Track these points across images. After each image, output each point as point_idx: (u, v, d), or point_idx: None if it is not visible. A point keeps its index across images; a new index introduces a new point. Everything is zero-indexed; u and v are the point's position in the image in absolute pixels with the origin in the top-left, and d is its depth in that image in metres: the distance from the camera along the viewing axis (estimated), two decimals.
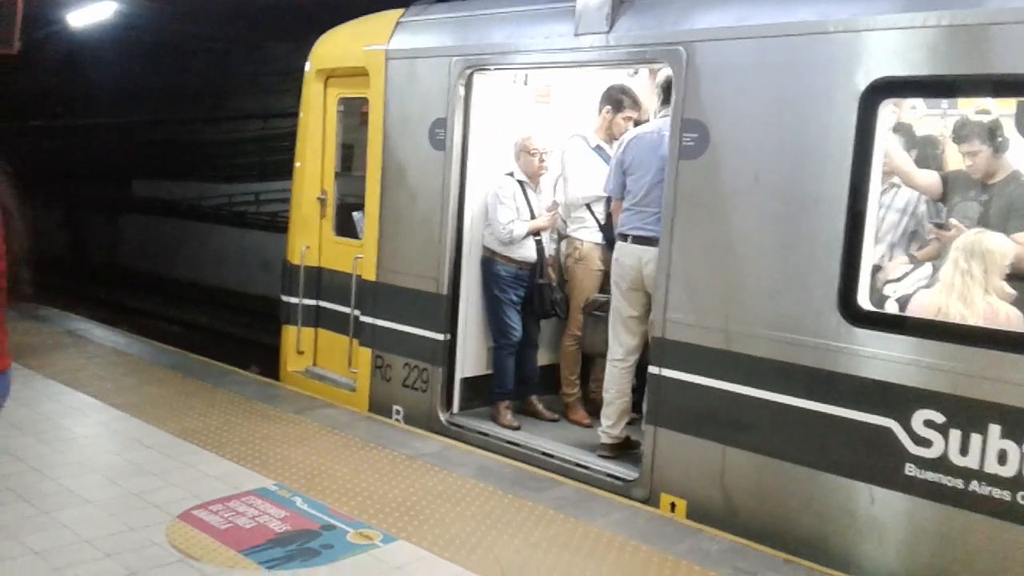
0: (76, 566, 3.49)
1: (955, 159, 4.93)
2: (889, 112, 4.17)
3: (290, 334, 6.89)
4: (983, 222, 4.44)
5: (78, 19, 14.41)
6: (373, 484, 4.64)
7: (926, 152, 5.04)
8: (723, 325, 4.45)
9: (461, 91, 5.71)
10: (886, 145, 4.42)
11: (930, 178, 4.78)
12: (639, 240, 5.04)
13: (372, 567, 3.71)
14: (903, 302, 4.40)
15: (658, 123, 5.13)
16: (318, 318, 6.84)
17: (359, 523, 4.12)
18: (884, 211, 4.92)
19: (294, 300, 6.86)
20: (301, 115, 6.94)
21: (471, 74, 5.69)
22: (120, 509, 4.08)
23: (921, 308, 4.19)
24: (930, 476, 3.79)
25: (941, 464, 3.76)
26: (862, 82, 3.98)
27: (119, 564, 3.54)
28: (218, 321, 14.25)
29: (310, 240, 6.86)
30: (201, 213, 19.42)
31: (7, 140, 22.77)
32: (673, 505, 4.61)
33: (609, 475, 4.95)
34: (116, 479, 4.46)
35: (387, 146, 6.14)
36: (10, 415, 5.32)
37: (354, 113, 6.81)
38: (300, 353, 6.87)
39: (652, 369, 4.72)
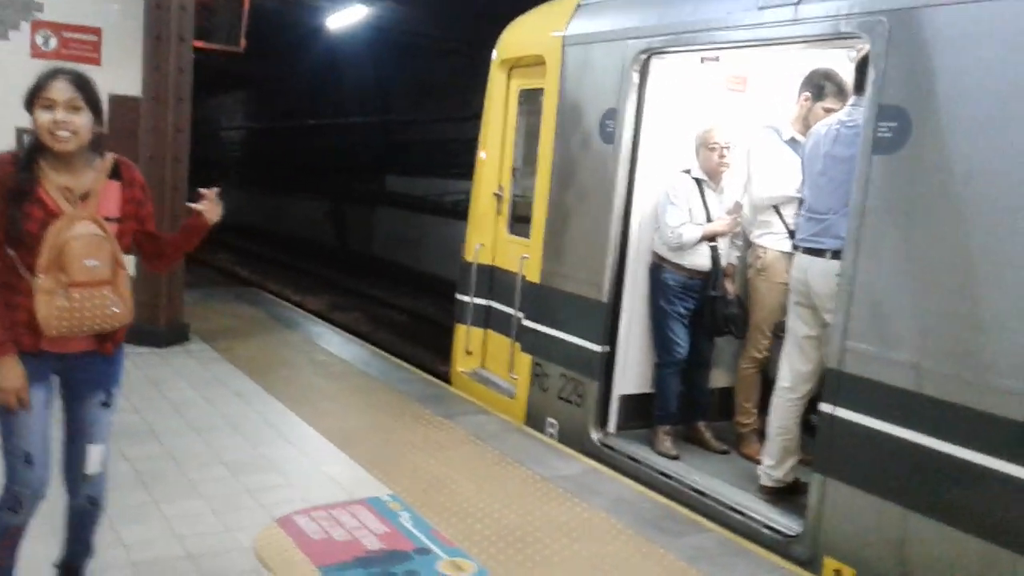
0: (154, 563, 3.43)
1: None
2: None
3: (460, 334, 6.68)
4: None
5: (335, 22, 15.38)
6: (492, 506, 4.25)
7: None
8: (915, 360, 3.56)
9: (635, 78, 5.14)
10: None
11: None
12: (806, 251, 4.24)
13: None
14: None
15: (836, 116, 4.28)
16: (488, 319, 6.57)
17: (456, 551, 3.74)
18: None
19: (466, 299, 6.64)
20: (486, 106, 6.69)
21: (646, 59, 5.12)
22: (226, 507, 4.01)
23: None
24: None
25: None
26: None
27: (193, 566, 3.43)
28: (445, 313, 14.59)
29: (485, 238, 6.60)
30: (442, 208, 20.14)
31: (286, 138, 25.14)
32: (838, 573, 3.79)
33: (768, 526, 4.19)
34: (240, 474, 4.43)
35: (558, 140, 5.71)
36: (174, 394, 5.57)
37: (534, 106, 6.46)
38: (469, 354, 6.64)
39: (824, 407, 3.91)
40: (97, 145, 2.76)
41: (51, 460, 2.85)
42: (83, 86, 2.69)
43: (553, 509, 4.28)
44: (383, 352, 7.40)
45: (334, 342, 7.59)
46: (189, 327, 7.05)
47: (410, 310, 14.85)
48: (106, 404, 2.90)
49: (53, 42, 7.70)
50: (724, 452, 5.18)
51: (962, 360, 3.40)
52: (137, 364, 6.12)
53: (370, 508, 4.11)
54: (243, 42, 8.13)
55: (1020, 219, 3.26)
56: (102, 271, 2.70)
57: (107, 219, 2.75)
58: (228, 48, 7.98)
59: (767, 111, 5.40)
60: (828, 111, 4.74)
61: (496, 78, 6.59)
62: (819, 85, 4.89)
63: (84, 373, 2.84)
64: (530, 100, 6.43)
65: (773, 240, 5.00)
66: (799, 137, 4.94)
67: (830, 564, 3.82)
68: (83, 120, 2.68)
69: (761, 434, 5.10)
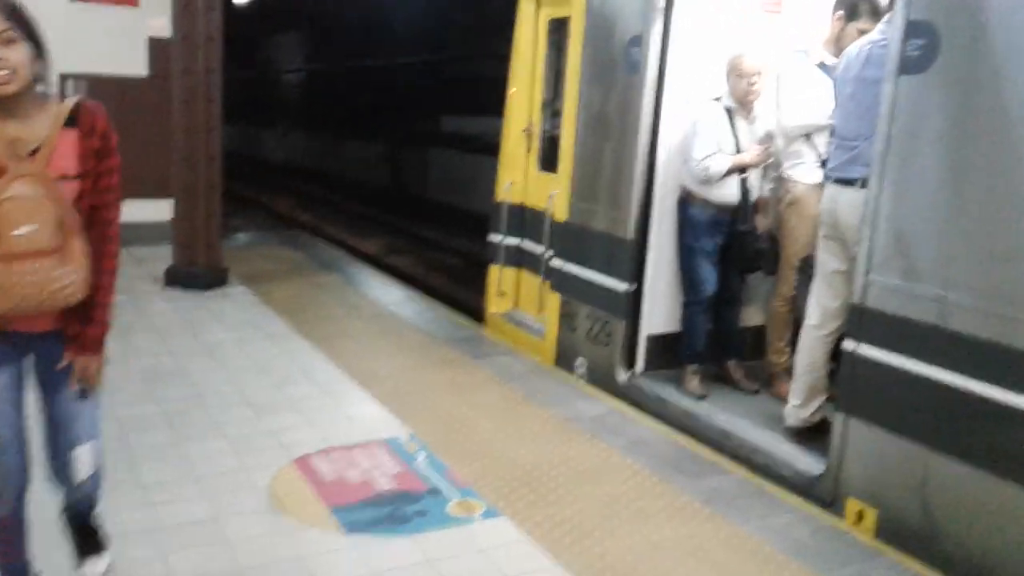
0: (170, 504, 3.51)
1: None
2: None
3: (493, 274, 6.62)
4: None
5: None
6: (509, 447, 4.24)
7: None
8: (940, 293, 3.37)
9: (660, 2, 4.92)
10: None
11: None
12: (836, 181, 4.03)
13: (456, 544, 3.33)
14: None
15: (869, 36, 4.01)
16: (520, 259, 6.49)
17: (468, 491, 3.75)
18: None
19: (498, 238, 6.56)
20: (515, 37, 6.50)
21: None
22: (247, 447, 4.08)
23: None
24: None
25: None
26: None
27: (208, 504, 3.51)
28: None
29: (515, 175, 6.48)
30: (496, 148, 19.95)
31: (343, 79, 25.12)
32: (860, 515, 3.67)
33: (791, 466, 4.09)
34: (263, 414, 4.50)
35: (584, 71, 5.52)
36: (209, 336, 5.68)
37: (564, 36, 6.24)
38: (502, 295, 6.59)
39: (847, 343, 3.75)
40: (39, 83, 2.37)
41: (26, 444, 2.54)
42: (13, 13, 2.29)
43: (571, 450, 4.25)
44: (421, 294, 7.41)
45: (373, 285, 7.63)
46: (228, 270, 7.15)
47: (464, 252, 14.86)
48: (83, 395, 2.51)
49: None
50: (755, 392, 5.05)
51: (989, 293, 3.20)
52: (175, 307, 6.26)
53: (387, 448, 4.14)
54: None
55: None
56: (40, 239, 2.29)
57: (64, 177, 2.36)
58: None
59: (794, 35, 5.12)
60: (862, 32, 4.43)
61: (524, 7, 6.39)
62: (853, 4, 4.58)
63: (53, 357, 2.46)
64: (559, 30, 6.22)
65: (804, 171, 4.77)
66: (831, 60, 4.66)
67: (852, 505, 3.71)
68: (19, 55, 2.27)
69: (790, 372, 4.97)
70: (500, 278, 6.55)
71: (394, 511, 3.56)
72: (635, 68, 5.04)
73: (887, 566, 3.32)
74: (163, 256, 7.29)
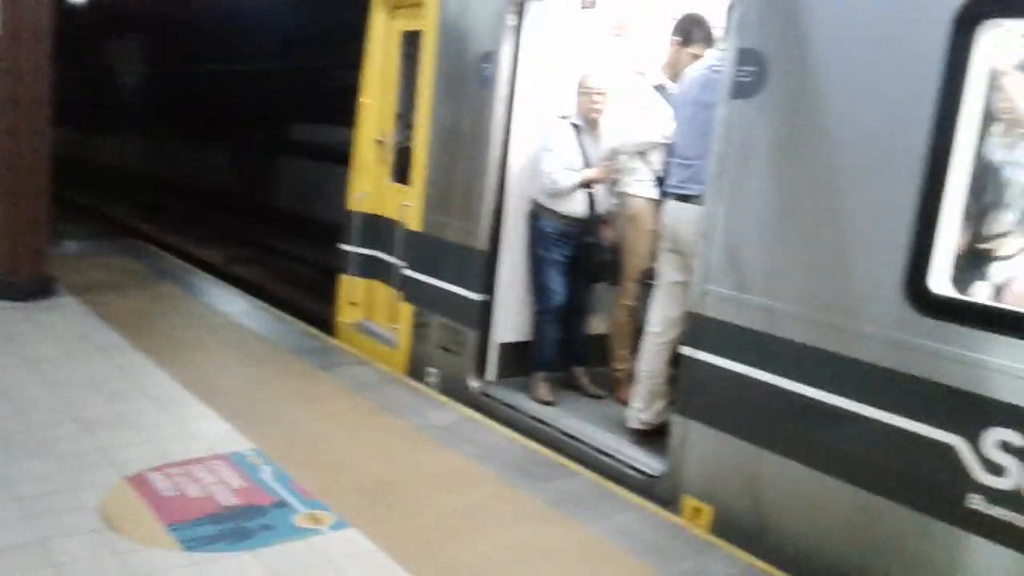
0: None
1: None
2: (993, 39, 3.12)
3: (344, 284, 6.54)
4: None
5: None
6: (358, 457, 4.19)
7: None
8: (768, 303, 3.61)
9: (511, 20, 5.03)
10: (1006, 85, 3.41)
11: None
12: (676, 197, 4.26)
13: (302, 557, 3.26)
14: (1002, 288, 3.39)
15: (708, 60, 4.28)
16: (372, 269, 6.44)
17: (316, 503, 3.67)
18: (1011, 171, 3.87)
19: (349, 248, 6.49)
20: (366, 48, 6.47)
21: (523, 1, 5.00)
22: (76, 466, 3.83)
23: (1019, 296, 3.19)
24: (999, 513, 2.86)
25: (1017, 501, 2.83)
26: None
27: (31, 530, 3.27)
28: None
29: (368, 186, 6.44)
30: (347, 158, 19.66)
31: (188, 84, 24.08)
32: (697, 511, 3.87)
33: (633, 467, 4.25)
34: (94, 430, 4.24)
35: (438, 85, 5.58)
36: (32, 349, 5.31)
37: (416, 49, 6.27)
38: (353, 305, 6.51)
39: (685, 349, 3.96)
40: None
41: None
42: None
43: (422, 459, 4.25)
44: (266, 305, 7.19)
45: (216, 296, 7.35)
46: (57, 280, 6.70)
47: (313, 262, 14.54)
48: None
49: None
50: (600, 397, 5.23)
51: (812, 303, 3.46)
52: None
53: (229, 462, 4.00)
54: None
55: (868, 166, 3.30)
56: None
57: None
58: None
59: (632, 57, 5.38)
60: (695, 57, 4.73)
61: (377, 19, 6.38)
62: (687, 30, 4.86)
63: None
64: (411, 43, 6.24)
65: (640, 187, 4.99)
66: (668, 83, 4.93)
67: (689, 502, 3.90)
68: None
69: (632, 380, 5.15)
70: (351, 288, 6.47)
71: (237, 526, 3.44)
72: (487, 84, 5.13)
73: (721, 559, 3.50)
74: None
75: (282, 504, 3.64)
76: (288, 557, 3.24)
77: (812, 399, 3.43)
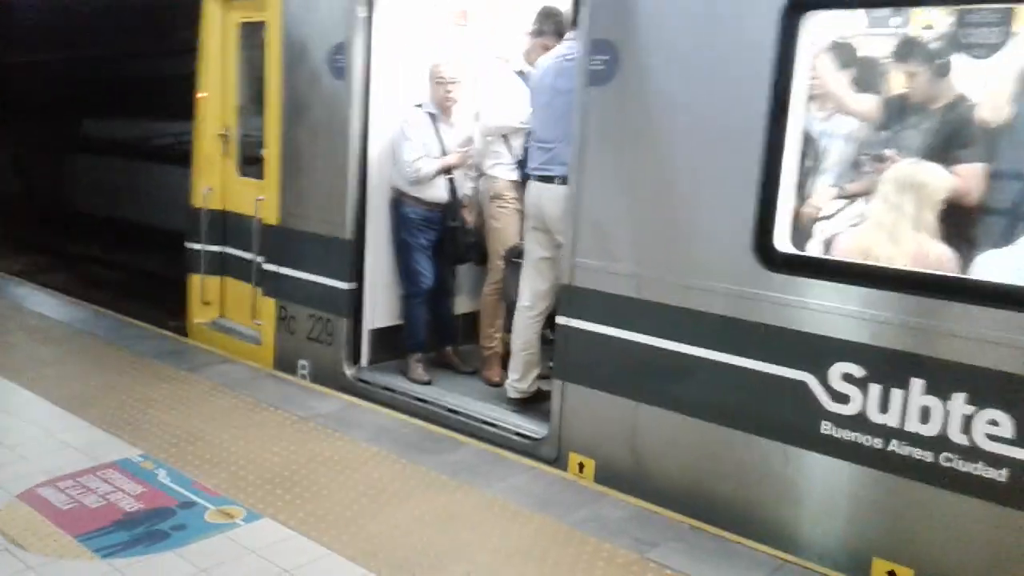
0: None
1: (899, 82, 4.46)
2: (814, 27, 3.64)
3: (195, 284, 6.40)
4: (923, 152, 3.99)
5: None
6: (253, 452, 4.23)
7: (866, 74, 4.55)
8: (634, 271, 4.00)
9: (362, 12, 5.14)
10: (816, 66, 3.96)
11: (866, 103, 4.31)
12: (538, 178, 4.58)
13: (225, 550, 3.31)
14: (830, 243, 3.96)
15: (560, 49, 4.61)
16: (224, 266, 6.35)
17: (223, 499, 3.71)
18: (827, 140, 4.47)
19: (197, 247, 6.36)
20: (200, 41, 6.32)
21: None
22: None
23: (846, 249, 3.76)
24: (847, 435, 3.40)
25: (859, 422, 3.38)
26: None
27: None
28: (165, 265, 13.69)
29: (213, 181, 6.33)
30: (155, 154, 18.65)
31: None
32: (581, 466, 4.23)
33: (518, 433, 4.56)
34: None
35: (286, 76, 5.58)
36: None
37: (256, 40, 6.21)
38: (207, 304, 6.40)
39: (560, 319, 4.29)
40: None
41: None
42: None
43: (316, 446, 4.35)
44: (108, 311, 6.89)
45: (47, 304, 6.96)
46: None
47: (126, 265, 13.78)
48: None
49: None
50: (472, 373, 5.49)
51: (670, 267, 3.88)
52: None
53: (122, 471, 3.93)
54: None
55: (714, 141, 3.74)
56: None
57: None
58: None
59: (489, 44, 5.65)
60: (546, 47, 5.04)
61: (210, 9, 6.25)
62: (539, 23, 5.17)
63: None
64: (251, 34, 6.17)
65: (502, 170, 5.27)
66: (527, 69, 5.23)
67: (574, 458, 4.26)
68: None
69: (502, 358, 5.41)
70: (203, 287, 6.35)
71: (149, 529, 3.43)
72: (341, 74, 5.22)
73: (611, 504, 3.88)
74: None
75: (189, 504, 3.65)
76: (211, 552, 3.29)
77: (678, 353, 3.86)
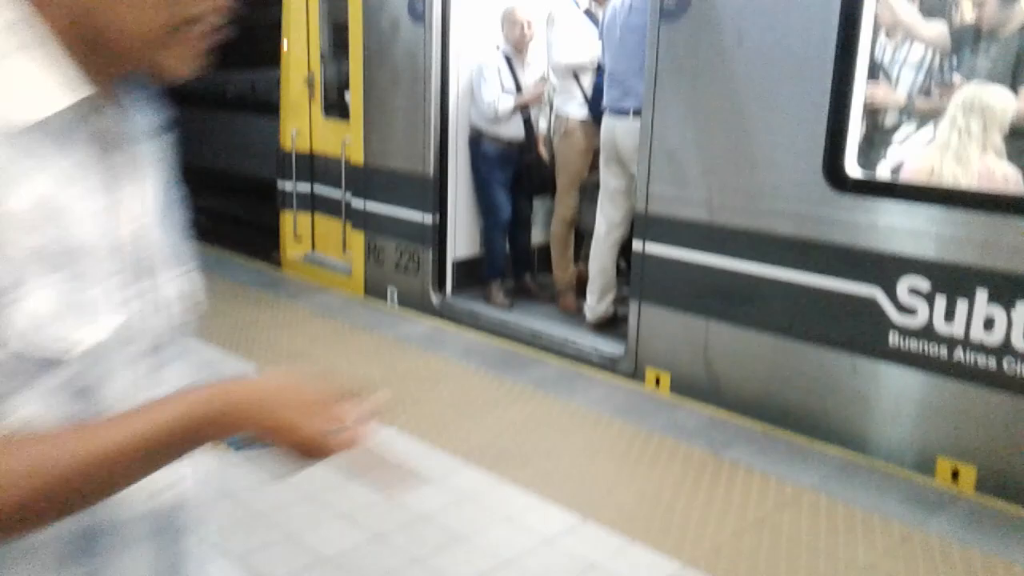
0: None
1: (968, 9, 4.56)
2: None
3: (287, 220, 6.83)
4: (991, 76, 4.12)
5: None
6: (355, 367, 4.65)
7: (934, 1, 4.67)
8: (707, 197, 4.25)
9: None
10: None
11: (935, 30, 4.44)
12: (612, 112, 4.82)
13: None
14: (898, 166, 4.15)
15: None
16: (314, 203, 6.75)
17: None
18: (898, 68, 4.62)
19: (288, 185, 6.76)
20: None
21: None
22: None
23: (914, 170, 3.95)
24: (913, 345, 3.64)
25: (926, 332, 3.61)
26: None
27: None
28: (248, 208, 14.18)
29: (300, 124, 6.70)
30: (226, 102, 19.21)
31: None
32: (658, 380, 4.55)
33: (596, 351, 4.89)
34: None
35: (367, 20, 5.88)
36: None
37: None
38: (299, 239, 6.82)
39: (636, 244, 4.57)
40: None
41: None
42: None
43: (411, 362, 4.74)
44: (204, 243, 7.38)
45: None
46: None
47: (210, 210, 14.31)
48: None
49: None
50: (549, 300, 5.81)
51: (742, 192, 4.12)
52: None
53: None
54: None
55: (785, 71, 3.94)
56: None
57: None
58: None
59: None
60: None
61: None
62: None
63: None
64: None
65: (573, 107, 5.48)
66: (594, 8, 5.43)
67: (651, 373, 4.57)
68: None
69: (576, 287, 5.70)
70: (295, 223, 6.78)
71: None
72: (421, 18, 5.49)
73: (686, 413, 4.19)
74: None
75: None
76: None
77: (749, 273, 4.12)
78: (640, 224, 4.55)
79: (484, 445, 3.77)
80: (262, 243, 7.11)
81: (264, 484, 2.95)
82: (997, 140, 3.77)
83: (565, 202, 5.63)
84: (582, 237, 5.75)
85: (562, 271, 5.72)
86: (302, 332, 5.17)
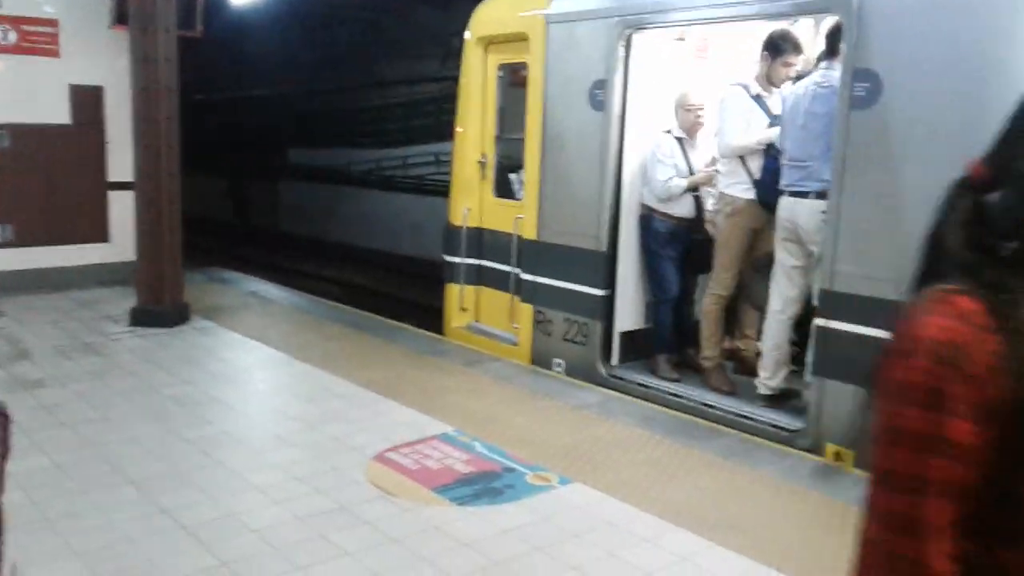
0: (293, 500, 3.94)
1: None
2: None
3: (453, 292, 7.26)
4: None
5: None
6: (543, 431, 4.92)
7: None
8: (890, 275, 4.41)
9: (620, 51, 5.80)
10: None
11: None
12: (792, 194, 5.06)
13: (553, 506, 3.99)
14: None
15: (813, 77, 5.07)
16: (480, 276, 7.16)
17: (536, 466, 4.41)
18: None
19: (457, 260, 7.21)
20: (462, 82, 7.20)
21: (630, 34, 5.78)
22: (321, 452, 4.53)
23: None
24: None
25: None
26: None
27: (329, 499, 3.96)
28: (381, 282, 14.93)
29: (471, 202, 7.17)
30: (351, 178, 20.32)
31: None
32: (838, 454, 4.65)
33: (773, 425, 5.03)
34: (314, 425, 4.93)
35: (547, 109, 6.32)
36: (213, 367, 5.96)
37: (512, 78, 7.01)
38: (463, 310, 7.23)
39: (818, 320, 4.74)
40: None
41: None
42: None
43: (595, 428, 5.00)
44: (371, 314, 7.88)
45: (321, 311, 8.02)
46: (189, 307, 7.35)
47: (336, 280, 15.08)
48: None
49: (12, 36, 7.76)
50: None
51: None
52: (148, 344, 6.45)
53: (445, 442, 4.71)
54: (200, 27, 8.29)
55: (964, 159, 4.11)
56: None
57: None
58: (186, 33, 8.11)
59: (726, 73, 6.18)
60: (787, 65, 5.50)
61: (472, 54, 7.11)
62: (776, 45, 5.61)
63: None
64: (509, 73, 6.98)
65: (739, 189, 5.69)
66: (764, 93, 5.72)
67: (830, 448, 4.68)
68: None
69: (724, 367, 5.82)
70: (461, 295, 7.20)
71: (486, 487, 4.16)
72: (600, 106, 5.90)
73: None
74: (109, 298, 7.44)
75: (510, 469, 4.37)
76: (541, 506, 3.97)
77: None
78: (824, 300, 4.73)
79: (688, 509, 3.97)
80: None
81: None
82: None
83: (721, 279, 5.79)
84: (758, 312, 5.85)
85: (710, 348, 5.81)
86: (487, 397, 5.50)
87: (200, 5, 8.19)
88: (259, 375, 5.85)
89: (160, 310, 6.94)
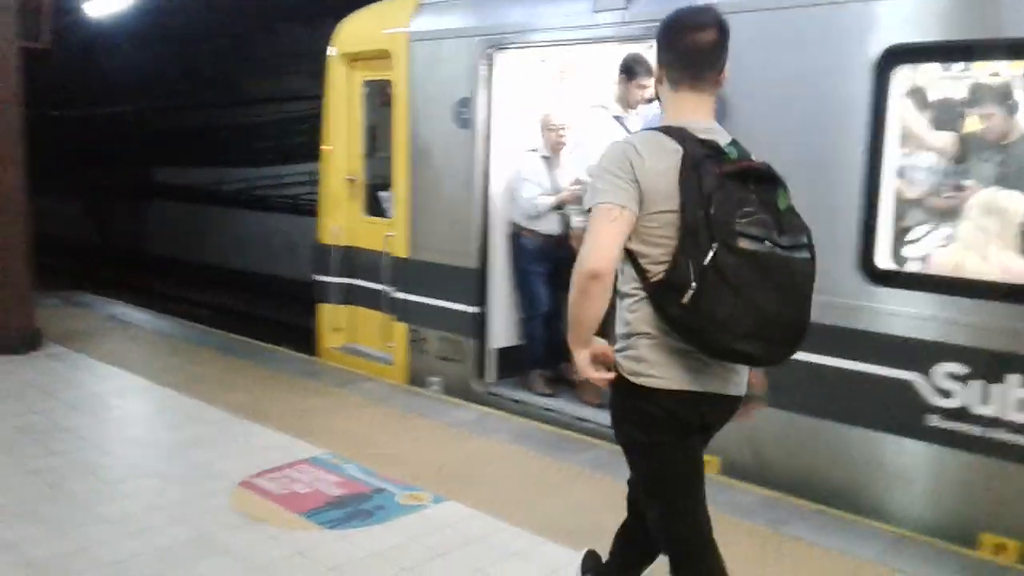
0: (151, 531, 3.75)
1: (973, 122, 5.06)
2: (903, 78, 4.30)
3: (325, 312, 7.12)
4: (998, 181, 4.59)
5: (95, 9, 14.57)
6: (417, 451, 4.88)
7: (942, 115, 5.17)
8: None
9: (484, 70, 5.87)
10: (901, 109, 4.59)
11: (943, 140, 4.92)
12: None
13: (424, 525, 3.95)
14: (923, 260, 4.56)
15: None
16: (352, 296, 7.06)
17: (409, 486, 4.36)
18: (912, 173, 5.07)
19: (327, 279, 7.09)
20: (327, 99, 7.12)
21: (492, 54, 5.86)
22: (182, 480, 4.34)
23: (939, 265, 4.36)
24: (950, 426, 3.97)
25: (962, 414, 3.94)
26: (875, 50, 4.13)
27: (190, 528, 3.80)
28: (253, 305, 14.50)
29: (340, 221, 7.07)
30: (222, 197, 19.69)
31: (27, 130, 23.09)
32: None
33: None
34: (175, 453, 4.72)
35: (413, 127, 6.32)
36: (65, 396, 5.64)
37: (377, 95, 6.98)
38: (336, 330, 7.11)
39: None
40: None
41: None
42: None
43: (469, 445, 4.99)
44: (243, 337, 7.64)
45: (187, 335, 7.70)
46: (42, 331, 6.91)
47: (208, 304, 14.59)
48: None
49: None
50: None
51: None
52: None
53: (315, 465, 4.60)
54: (46, 39, 7.85)
55: (814, 180, 4.37)
56: None
57: None
58: (30, 44, 7.66)
59: (585, 94, 6.35)
60: (641, 87, 5.69)
61: (336, 71, 7.04)
62: (631, 67, 5.82)
63: None
64: (374, 90, 6.95)
65: None
66: (623, 114, 5.91)
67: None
68: None
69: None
70: (333, 315, 7.07)
71: (356, 509, 4.08)
72: (466, 124, 5.95)
73: (741, 492, 4.46)
74: None
75: (380, 491, 4.31)
76: (413, 526, 3.93)
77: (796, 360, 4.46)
78: None
79: (561, 522, 4.01)
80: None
81: None
82: (1012, 238, 4.21)
83: None
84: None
85: None
86: (359, 418, 5.41)
87: (46, 15, 7.75)
88: (115, 402, 5.55)
89: (4, 336, 6.50)
